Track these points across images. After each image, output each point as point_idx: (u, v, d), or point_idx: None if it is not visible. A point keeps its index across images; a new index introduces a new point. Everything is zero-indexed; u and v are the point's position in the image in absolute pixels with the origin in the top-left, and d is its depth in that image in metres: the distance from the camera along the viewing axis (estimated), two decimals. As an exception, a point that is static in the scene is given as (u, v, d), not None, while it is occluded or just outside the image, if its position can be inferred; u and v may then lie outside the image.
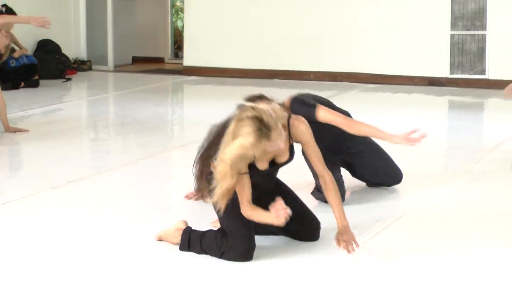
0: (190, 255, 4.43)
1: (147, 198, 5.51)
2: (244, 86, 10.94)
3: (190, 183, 5.83)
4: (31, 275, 4.19)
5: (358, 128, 5.27)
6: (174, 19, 13.99)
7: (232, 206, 4.43)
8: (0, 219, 5.38)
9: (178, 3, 13.98)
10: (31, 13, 11.11)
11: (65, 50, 11.87)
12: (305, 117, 5.05)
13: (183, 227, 4.70)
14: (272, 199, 4.21)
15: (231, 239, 4.45)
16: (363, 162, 5.76)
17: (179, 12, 13.79)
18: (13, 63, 10.55)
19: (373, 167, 5.78)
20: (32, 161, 7.17)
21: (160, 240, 4.71)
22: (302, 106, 5.38)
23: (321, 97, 5.68)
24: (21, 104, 9.30)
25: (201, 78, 11.66)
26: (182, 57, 12.47)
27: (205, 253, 4.46)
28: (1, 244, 4.77)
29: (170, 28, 13.89)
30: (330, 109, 5.40)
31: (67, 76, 11.42)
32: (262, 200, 4.44)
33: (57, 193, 5.90)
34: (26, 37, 11.25)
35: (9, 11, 10.78)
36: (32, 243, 4.78)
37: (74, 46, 12.49)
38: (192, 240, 4.59)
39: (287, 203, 4.22)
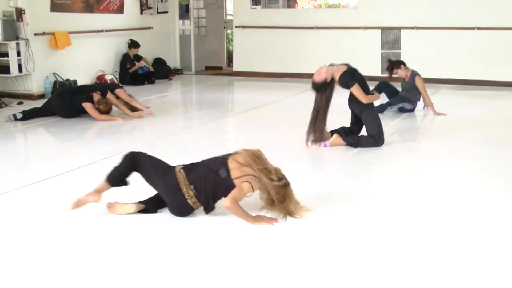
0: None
1: (219, 147, 5.15)
2: (267, 82, 10.66)
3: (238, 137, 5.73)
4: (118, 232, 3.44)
5: (365, 101, 5.03)
6: (227, 45, 13.22)
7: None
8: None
9: (230, 36, 13.08)
10: (149, 45, 10.92)
11: (168, 63, 11.46)
12: (344, 84, 4.96)
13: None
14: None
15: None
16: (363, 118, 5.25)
17: (230, 41, 12.98)
18: (140, 71, 10.25)
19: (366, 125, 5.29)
20: (149, 123, 6.86)
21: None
22: (349, 77, 4.99)
23: (360, 73, 5.18)
24: (145, 93, 9.09)
25: (244, 77, 11.18)
26: (232, 66, 12.00)
27: None
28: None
29: (226, 50, 13.20)
30: (359, 88, 5.03)
31: (170, 77, 11.11)
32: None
33: (166, 142, 5.73)
34: (148, 56, 10.87)
35: (134, 43, 10.22)
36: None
37: (173, 60, 11.88)
38: None
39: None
